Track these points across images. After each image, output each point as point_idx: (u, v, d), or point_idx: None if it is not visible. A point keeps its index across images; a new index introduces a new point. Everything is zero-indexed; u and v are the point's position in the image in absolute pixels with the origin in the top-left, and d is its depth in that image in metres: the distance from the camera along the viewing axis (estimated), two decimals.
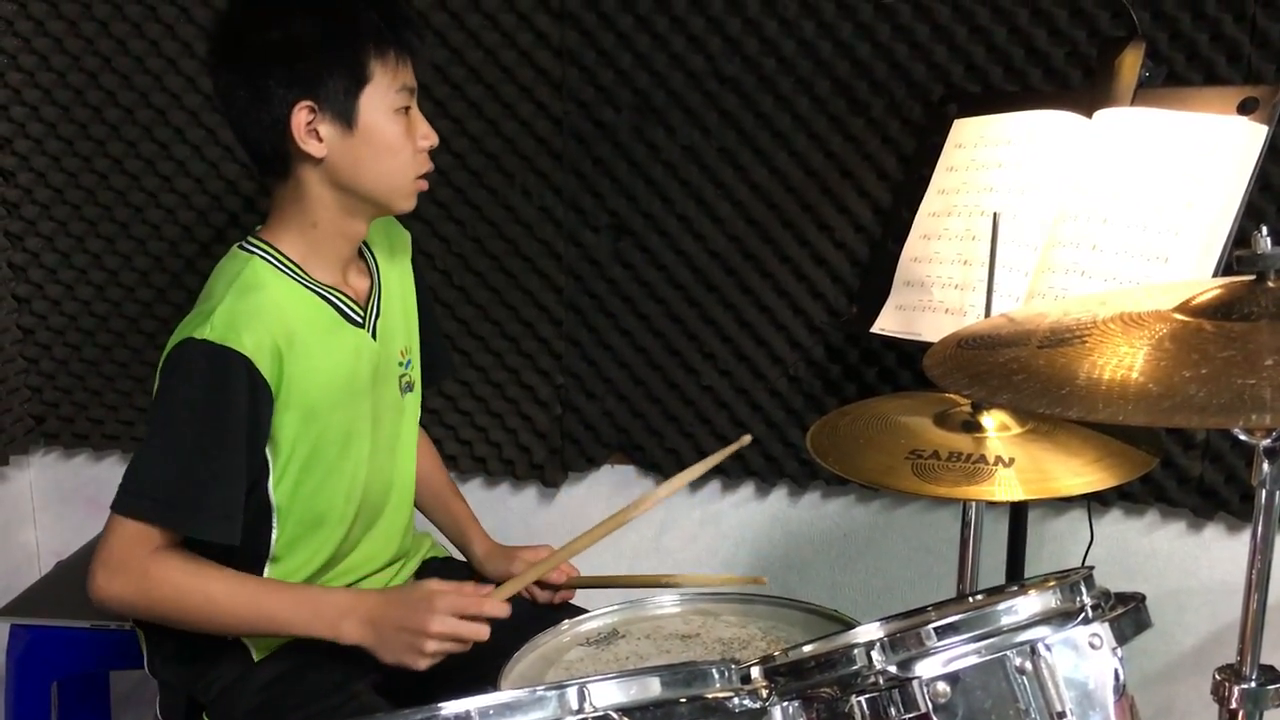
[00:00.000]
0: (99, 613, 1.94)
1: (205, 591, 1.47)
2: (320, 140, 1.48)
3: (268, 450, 1.49)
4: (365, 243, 1.63)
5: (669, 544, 2.30)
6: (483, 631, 1.48)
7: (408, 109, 1.53)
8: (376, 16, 1.48)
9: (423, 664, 1.47)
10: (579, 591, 1.75)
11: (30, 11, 2.20)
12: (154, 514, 1.45)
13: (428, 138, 1.55)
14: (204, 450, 1.44)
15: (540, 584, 1.71)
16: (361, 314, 1.59)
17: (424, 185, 1.57)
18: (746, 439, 1.66)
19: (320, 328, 1.52)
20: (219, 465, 1.44)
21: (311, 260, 1.54)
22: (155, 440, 1.46)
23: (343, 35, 1.47)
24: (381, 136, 1.50)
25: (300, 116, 1.46)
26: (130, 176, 2.26)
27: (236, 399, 1.43)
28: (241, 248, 1.54)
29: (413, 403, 1.71)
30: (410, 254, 1.75)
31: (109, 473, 2.45)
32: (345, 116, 1.48)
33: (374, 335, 1.60)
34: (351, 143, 1.49)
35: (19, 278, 2.32)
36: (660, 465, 2.24)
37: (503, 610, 1.51)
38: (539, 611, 1.70)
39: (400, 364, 1.68)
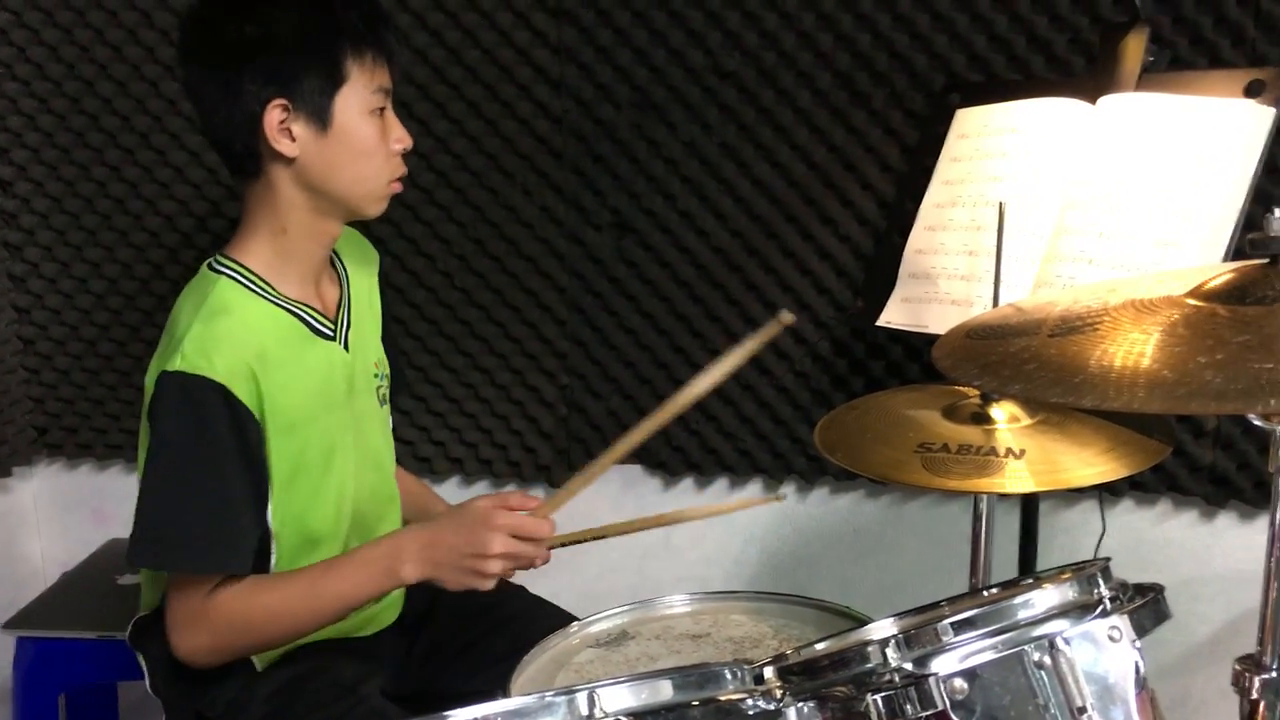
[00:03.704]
0: (105, 623, 1.95)
1: (264, 608, 1.46)
2: (293, 140, 1.45)
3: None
4: (335, 251, 1.61)
5: (678, 542, 2.28)
6: (542, 554, 1.46)
7: (383, 110, 1.50)
8: (355, 16, 1.46)
9: (488, 585, 1.44)
10: (589, 590, 1.74)
11: (25, 20, 2.19)
12: (161, 559, 1.44)
13: (402, 141, 1.52)
14: (199, 485, 1.42)
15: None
16: (331, 327, 1.56)
17: (398, 188, 1.55)
18: (788, 319, 1.53)
19: (291, 343, 1.49)
20: (216, 498, 1.42)
21: (281, 271, 1.51)
22: (151, 483, 1.43)
23: (320, 34, 1.45)
24: (356, 138, 1.48)
25: (273, 115, 1.44)
26: (128, 184, 2.24)
27: (218, 427, 1.41)
28: (210, 267, 1.51)
29: (388, 416, 1.70)
30: (379, 273, 1.72)
31: (113, 483, 2.44)
32: (320, 116, 1.45)
33: (346, 347, 1.58)
34: (325, 143, 1.46)
35: (18, 288, 2.31)
36: (667, 464, 2.23)
37: (551, 529, 1.47)
38: (548, 613, 1.69)
39: (375, 375, 1.66)
